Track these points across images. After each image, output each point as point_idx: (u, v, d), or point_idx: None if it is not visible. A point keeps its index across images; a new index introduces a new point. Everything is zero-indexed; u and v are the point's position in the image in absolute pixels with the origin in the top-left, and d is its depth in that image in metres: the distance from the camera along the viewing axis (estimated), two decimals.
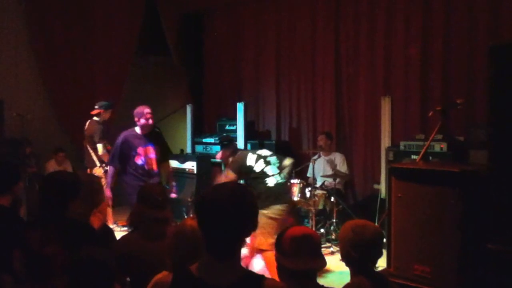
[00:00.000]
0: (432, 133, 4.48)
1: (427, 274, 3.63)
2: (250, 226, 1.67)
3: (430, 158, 5.15)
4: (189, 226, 2.24)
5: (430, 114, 4.67)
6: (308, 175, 6.71)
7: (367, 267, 2.37)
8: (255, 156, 4.58)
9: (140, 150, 5.13)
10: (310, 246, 2.14)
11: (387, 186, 4.06)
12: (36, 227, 2.70)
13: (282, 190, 4.63)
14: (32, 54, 8.01)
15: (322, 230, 6.14)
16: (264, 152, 4.68)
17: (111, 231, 3.32)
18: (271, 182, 4.50)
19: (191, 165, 7.59)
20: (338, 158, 6.88)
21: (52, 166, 7.43)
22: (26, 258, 2.34)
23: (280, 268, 2.15)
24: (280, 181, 4.57)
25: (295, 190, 6.06)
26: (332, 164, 6.79)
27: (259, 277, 1.69)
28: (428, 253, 3.66)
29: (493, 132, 3.56)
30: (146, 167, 5.14)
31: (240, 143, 7.55)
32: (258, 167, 4.53)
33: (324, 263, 2.18)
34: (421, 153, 4.44)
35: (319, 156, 6.86)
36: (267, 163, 4.56)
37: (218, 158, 5.08)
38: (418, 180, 3.77)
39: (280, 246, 2.16)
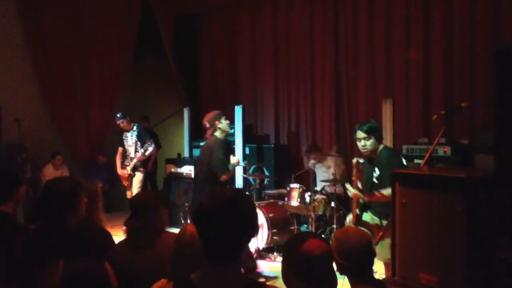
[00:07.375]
0: (436, 137, 4.37)
1: (434, 283, 3.52)
2: (250, 231, 1.64)
3: (434, 162, 5.05)
4: (189, 232, 2.15)
5: (434, 118, 4.56)
6: None
7: (363, 274, 2.26)
8: None
9: None
10: (327, 268, 1.94)
11: (391, 192, 3.95)
12: (28, 236, 2.62)
13: None
14: (29, 59, 8.00)
15: (322, 236, 6.03)
16: None
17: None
18: None
19: (188, 169, 7.47)
20: (331, 162, 6.74)
21: (49, 171, 7.34)
22: (11, 266, 2.27)
23: (289, 282, 1.99)
24: None
25: (295, 195, 5.95)
26: (329, 169, 6.67)
27: (261, 285, 1.67)
28: (434, 262, 3.54)
29: (499, 136, 3.47)
30: None
31: (239, 146, 7.44)
32: None
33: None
34: (426, 158, 4.33)
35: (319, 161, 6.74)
36: None
37: None
38: (423, 186, 3.65)
39: (292, 260, 1.94)
